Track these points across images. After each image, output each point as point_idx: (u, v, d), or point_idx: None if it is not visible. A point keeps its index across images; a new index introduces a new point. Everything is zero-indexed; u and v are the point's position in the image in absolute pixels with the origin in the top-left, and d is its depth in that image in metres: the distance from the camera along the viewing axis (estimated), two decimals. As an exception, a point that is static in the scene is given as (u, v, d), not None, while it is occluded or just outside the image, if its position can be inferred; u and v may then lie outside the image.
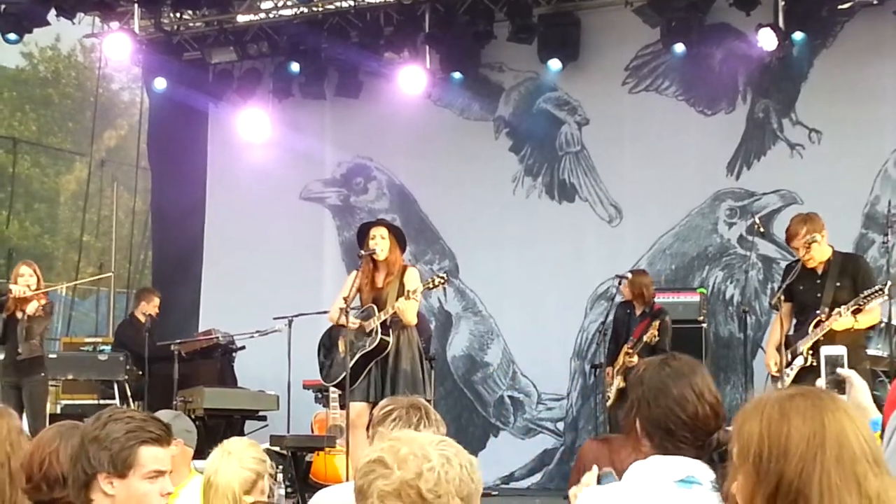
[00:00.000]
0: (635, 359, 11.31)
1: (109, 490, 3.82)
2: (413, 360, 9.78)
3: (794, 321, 9.65)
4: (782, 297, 9.65)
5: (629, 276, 11.98)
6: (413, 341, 9.86)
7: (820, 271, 9.50)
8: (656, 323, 11.43)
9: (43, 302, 11.59)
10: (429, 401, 9.45)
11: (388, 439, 2.81)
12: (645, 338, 11.39)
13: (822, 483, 2.63)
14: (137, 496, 3.85)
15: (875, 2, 12.30)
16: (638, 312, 11.81)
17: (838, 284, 9.35)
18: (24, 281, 11.51)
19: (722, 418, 3.76)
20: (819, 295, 9.37)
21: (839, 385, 3.68)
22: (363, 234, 10.01)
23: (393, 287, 9.74)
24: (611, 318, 12.04)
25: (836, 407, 2.72)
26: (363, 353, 9.69)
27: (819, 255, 9.48)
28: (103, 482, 3.82)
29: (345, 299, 9.71)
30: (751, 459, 2.71)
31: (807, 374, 9.05)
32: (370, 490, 2.71)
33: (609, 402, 11.59)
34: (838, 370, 3.69)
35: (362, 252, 9.93)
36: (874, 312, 9.29)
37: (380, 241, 9.77)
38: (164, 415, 7.36)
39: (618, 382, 11.47)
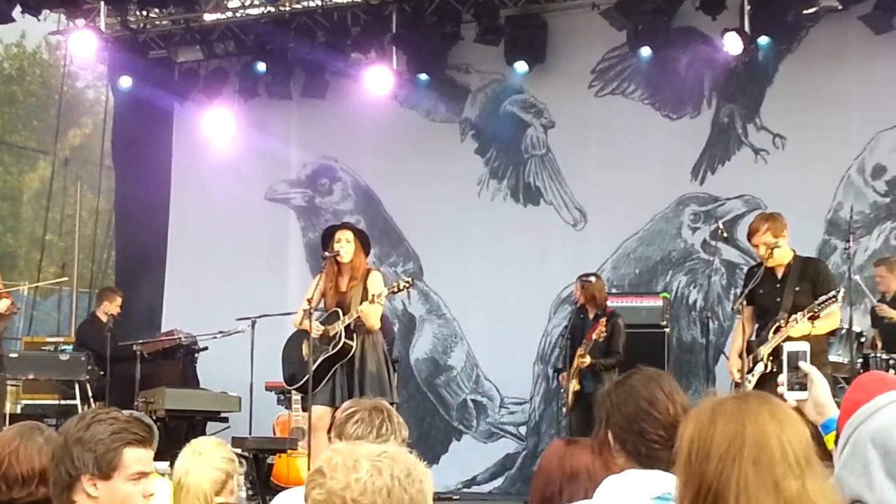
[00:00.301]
0: (587, 359, 11.36)
1: (93, 492, 3.80)
2: (379, 364, 9.75)
3: (756, 326, 9.65)
4: (744, 302, 9.65)
5: (592, 279, 12.00)
6: (378, 345, 9.83)
7: (780, 275, 9.50)
8: (603, 320, 11.47)
9: (10, 300, 11.53)
10: (394, 404, 9.52)
11: (330, 449, 2.82)
12: (594, 335, 11.41)
13: (740, 485, 2.67)
14: (121, 497, 3.83)
15: (840, 7, 12.34)
16: (591, 316, 11.83)
17: (798, 289, 9.34)
18: None
19: None
20: (779, 299, 9.36)
21: (801, 381, 3.68)
22: (328, 236, 9.96)
23: (357, 291, 9.71)
24: (551, 326, 12.13)
25: (761, 410, 2.76)
26: (326, 356, 9.65)
27: (780, 257, 9.47)
28: (87, 484, 3.79)
29: (308, 302, 9.69)
30: (682, 461, 2.77)
31: (767, 381, 9.04)
32: (308, 499, 2.76)
33: (567, 407, 11.59)
34: (800, 363, 3.69)
35: (326, 254, 9.88)
36: (833, 318, 9.27)
37: (345, 245, 9.72)
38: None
39: (573, 385, 11.48)
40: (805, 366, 3.69)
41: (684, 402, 3.77)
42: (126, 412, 5.90)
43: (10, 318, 11.96)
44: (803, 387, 3.67)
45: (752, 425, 2.73)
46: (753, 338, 9.52)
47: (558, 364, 12.97)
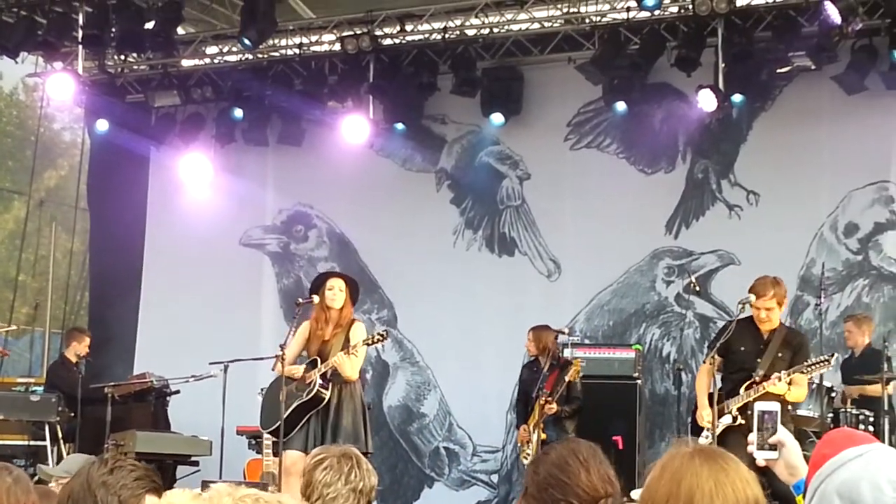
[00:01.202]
0: (554, 406, 11.42)
1: None
2: (355, 414, 9.82)
3: (721, 377, 9.76)
4: (715, 355, 9.73)
5: (552, 328, 12.10)
6: (356, 395, 9.91)
7: (765, 337, 9.60)
8: (577, 361, 11.57)
9: None
10: (368, 454, 9.57)
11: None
12: (567, 377, 11.50)
13: None
14: None
15: (813, 67, 12.48)
16: (546, 367, 11.88)
17: (779, 355, 9.46)
18: None
19: (611, 494, 3.75)
20: (759, 359, 9.47)
21: (771, 442, 3.71)
22: (320, 282, 10.09)
23: (339, 340, 9.82)
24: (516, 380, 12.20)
25: (703, 468, 2.84)
26: (300, 402, 9.74)
27: (773, 321, 9.60)
28: None
29: (281, 346, 9.78)
30: None
31: (732, 433, 9.15)
32: None
33: (529, 459, 11.58)
34: (771, 424, 3.71)
35: (300, 300, 10.14)
36: (803, 389, 9.45)
37: (337, 293, 9.91)
38: (75, 458, 7.25)
39: (537, 435, 11.50)
40: (777, 434, 3.71)
41: (603, 471, 3.76)
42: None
43: None
44: (773, 447, 3.69)
45: (687, 482, 2.84)
46: (721, 389, 9.61)
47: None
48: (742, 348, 9.61)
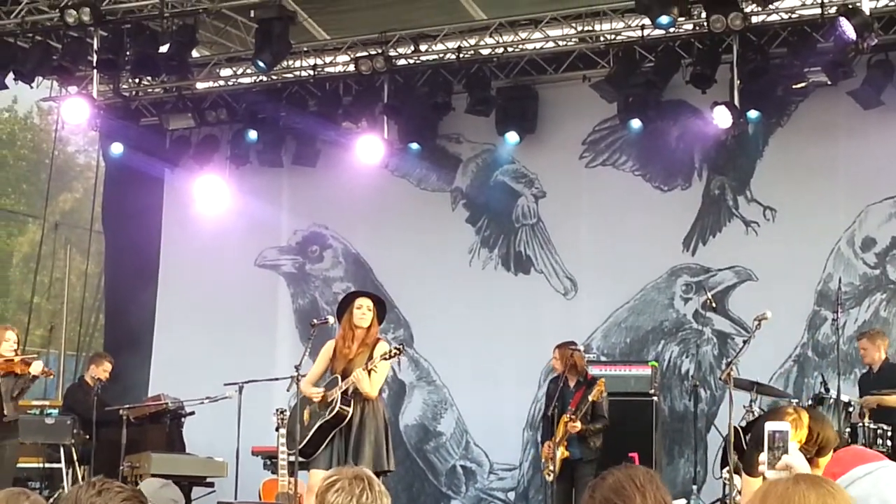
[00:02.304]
0: (578, 424, 11.36)
1: None
2: (377, 432, 9.82)
3: None
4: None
5: (581, 347, 12.06)
6: (378, 412, 9.90)
7: None
8: (601, 381, 11.53)
9: (42, 364, 11.76)
10: (390, 472, 9.58)
11: None
12: (590, 397, 11.47)
13: None
14: None
15: (829, 82, 12.45)
16: (572, 384, 11.84)
17: None
18: (10, 346, 11.55)
19: None
20: None
21: (780, 465, 3.69)
22: (349, 301, 10.13)
23: (362, 358, 9.83)
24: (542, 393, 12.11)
25: (809, 494, 2.77)
26: (323, 420, 9.76)
27: None
28: None
29: (296, 367, 9.84)
30: None
31: None
32: None
33: (552, 477, 11.53)
34: (782, 458, 3.70)
35: (314, 321, 10.34)
36: None
37: (366, 313, 9.96)
38: (152, 483, 7.27)
39: (560, 453, 11.45)
40: (785, 458, 3.69)
41: (660, 496, 3.72)
42: (152, 479, 5.94)
43: (32, 381, 12.00)
44: (785, 467, 3.67)
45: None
46: None
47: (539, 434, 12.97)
48: None
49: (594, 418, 11.60)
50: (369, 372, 9.65)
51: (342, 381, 9.74)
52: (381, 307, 10.25)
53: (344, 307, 10.13)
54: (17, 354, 11.60)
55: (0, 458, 11.50)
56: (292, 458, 10.08)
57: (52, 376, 12.22)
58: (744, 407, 11.26)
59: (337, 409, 9.70)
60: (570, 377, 11.91)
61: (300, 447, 9.86)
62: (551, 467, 11.53)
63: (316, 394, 9.81)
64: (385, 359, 9.81)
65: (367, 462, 9.23)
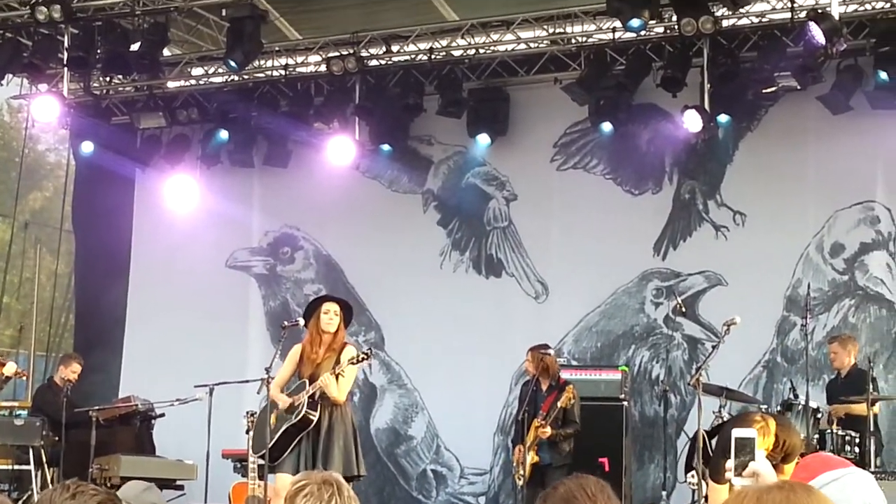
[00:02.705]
0: (548, 430, 11.36)
1: None
2: (346, 437, 9.84)
3: None
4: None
5: (551, 351, 12.05)
6: (347, 417, 9.94)
7: None
8: (570, 388, 11.51)
9: (15, 366, 11.54)
10: (360, 476, 9.58)
11: None
12: (559, 403, 11.45)
13: None
14: None
15: (798, 87, 12.48)
16: (545, 388, 11.84)
17: None
18: None
19: None
20: None
21: (746, 472, 3.70)
22: (315, 306, 10.16)
23: (329, 363, 9.86)
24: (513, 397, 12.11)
25: (812, 500, 2.76)
26: (289, 424, 9.76)
27: None
28: None
29: (266, 370, 9.81)
30: None
31: None
32: None
33: (522, 481, 11.53)
34: (749, 465, 3.72)
35: (285, 323, 10.36)
36: None
37: (333, 318, 9.99)
38: (135, 486, 7.23)
39: (531, 458, 11.47)
40: (751, 465, 3.71)
41: None
42: (135, 482, 5.94)
43: (4, 382, 11.85)
44: (751, 474, 3.69)
45: None
46: None
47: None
48: None
49: (565, 423, 11.59)
50: (337, 376, 9.67)
51: (309, 385, 9.76)
52: (349, 312, 10.31)
53: (311, 311, 10.15)
54: None
55: None
56: (262, 462, 10.08)
57: (24, 377, 12.08)
58: (713, 413, 11.31)
59: (303, 413, 9.70)
60: (543, 381, 11.90)
61: (264, 451, 9.84)
62: (521, 471, 11.54)
63: (284, 402, 9.80)
64: (353, 363, 9.82)
65: (337, 467, 9.27)
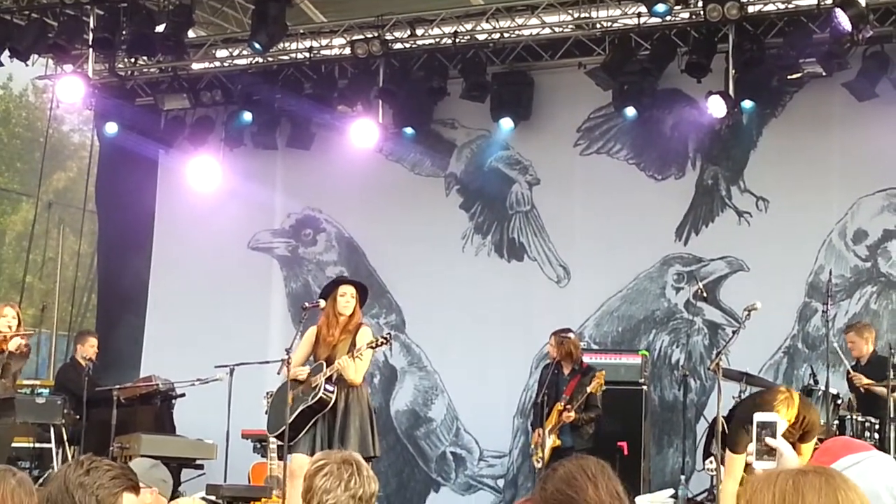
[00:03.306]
0: (573, 414, 11.36)
1: None
2: (362, 418, 9.87)
3: None
4: None
5: (571, 335, 12.05)
6: (363, 398, 9.98)
7: None
8: (601, 374, 11.50)
9: (24, 341, 11.37)
10: (374, 458, 9.61)
11: None
12: (589, 388, 11.43)
13: None
14: None
15: (823, 74, 12.44)
16: (567, 371, 11.84)
17: None
18: (6, 322, 11.18)
19: None
20: None
21: (770, 452, 3.70)
22: (332, 288, 10.21)
23: (345, 344, 9.91)
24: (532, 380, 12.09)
25: (848, 486, 2.75)
26: (305, 405, 9.80)
27: None
28: None
29: (287, 351, 9.85)
30: None
31: None
32: None
33: (540, 464, 11.53)
34: (767, 440, 3.72)
35: (306, 304, 10.36)
36: None
37: (349, 300, 10.03)
38: (142, 462, 7.28)
39: (552, 441, 11.47)
40: (771, 441, 3.71)
41: (612, 486, 3.73)
42: (142, 459, 6.00)
43: (26, 360, 11.79)
44: (771, 456, 3.69)
45: (845, 500, 2.76)
46: None
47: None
48: None
49: (587, 407, 11.60)
50: (354, 359, 9.69)
51: (327, 367, 9.79)
52: (364, 294, 10.36)
53: (327, 293, 10.18)
54: (11, 330, 11.28)
55: None
56: (281, 442, 10.11)
57: (25, 353, 11.81)
58: (733, 398, 11.27)
59: (320, 394, 9.75)
60: (565, 365, 11.90)
61: (280, 431, 9.87)
62: (540, 454, 11.54)
63: (301, 372, 9.83)
64: (371, 347, 9.86)
65: (353, 447, 9.30)
